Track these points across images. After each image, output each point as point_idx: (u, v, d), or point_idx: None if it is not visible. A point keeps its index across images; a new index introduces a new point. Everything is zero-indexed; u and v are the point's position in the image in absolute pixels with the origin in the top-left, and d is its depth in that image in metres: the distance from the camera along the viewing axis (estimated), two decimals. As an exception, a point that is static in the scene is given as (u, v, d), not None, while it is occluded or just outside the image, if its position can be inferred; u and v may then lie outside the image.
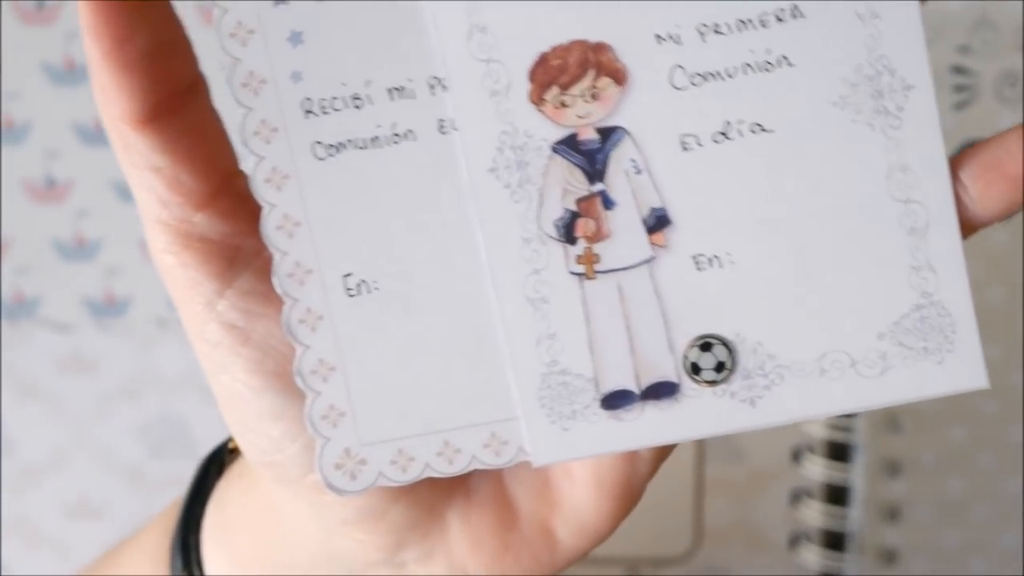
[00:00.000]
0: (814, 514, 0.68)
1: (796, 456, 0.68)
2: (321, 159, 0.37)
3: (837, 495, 0.68)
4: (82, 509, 0.68)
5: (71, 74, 0.62)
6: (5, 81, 0.60)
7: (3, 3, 0.62)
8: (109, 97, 0.35)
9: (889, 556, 0.68)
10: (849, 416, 0.66)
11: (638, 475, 0.40)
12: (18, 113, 0.64)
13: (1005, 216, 0.37)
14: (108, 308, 0.64)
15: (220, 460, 0.46)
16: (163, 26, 0.35)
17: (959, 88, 0.63)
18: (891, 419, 0.66)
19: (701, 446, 0.67)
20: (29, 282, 0.64)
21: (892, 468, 0.67)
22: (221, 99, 0.38)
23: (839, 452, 0.67)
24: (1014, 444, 0.67)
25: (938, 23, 0.62)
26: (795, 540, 0.69)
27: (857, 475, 0.67)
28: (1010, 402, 0.67)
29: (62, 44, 0.61)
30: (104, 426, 0.65)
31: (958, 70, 0.63)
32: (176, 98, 0.36)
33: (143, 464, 0.68)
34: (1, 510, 0.68)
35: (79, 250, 0.63)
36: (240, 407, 0.39)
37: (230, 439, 0.47)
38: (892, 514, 0.67)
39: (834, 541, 0.68)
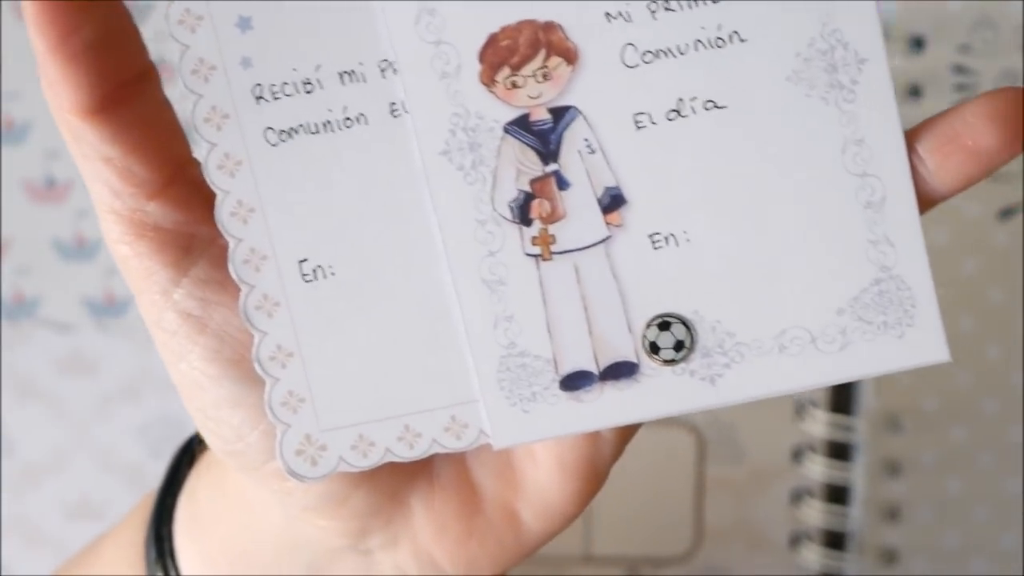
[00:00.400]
0: (814, 513, 0.68)
1: (796, 456, 0.67)
2: (273, 145, 0.37)
3: (837, 495, 0.68)
4: (82, 509, 0.68)
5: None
6: (5, 81, 0.61)
7: (3, 3, 0.62)
8: (56, 90, 0.35)
9: (889, 556, 0.68)
10: (849, 415, 0.66)
11: (602, 456, 0.40)
12: (18, 113, 0.64)
13: (963, 189, 0.37)
14: (108, 308, 0.65)
15: (192, 452, 0.46)
16: (109, 17, 0.35)
17: (960, 87, 0.63)
18: (891, 419, 0.65)
19: (701, 445, 0.66)
20: (29, 282, 0.64)
21: (892, 468, 0.67)
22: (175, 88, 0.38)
23: (839, 452, 0.67)
24: (1014, 444, 0.67)
25: (939, 23, 0.62)
26: (795, 540, 0.68)
27: (857, 475, 0.67)
28: (1011, 402, 0.66)
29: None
30: (104, 426, 0.65)
31: (959, 69, 0.62)
32: (125, 88, 0.36)
33: (143, 464, 0.68)
34: (1, 510, 0.68)
35: (79, 250, 0.64)
36: (199, 396, 0.39)
37: (197, 433, 0.47)
38: (892, 514, 0.67)
39: (834, 541, 0.68)
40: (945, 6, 0.61)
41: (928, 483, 0.67)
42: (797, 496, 0.68)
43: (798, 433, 0.67)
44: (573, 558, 0.67)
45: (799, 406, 0.67)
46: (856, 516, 0.67)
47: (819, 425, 0.67)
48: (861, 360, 0.37)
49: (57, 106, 0.36)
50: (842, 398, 0.67)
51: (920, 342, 0.37)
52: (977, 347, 0.66)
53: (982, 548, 0.68)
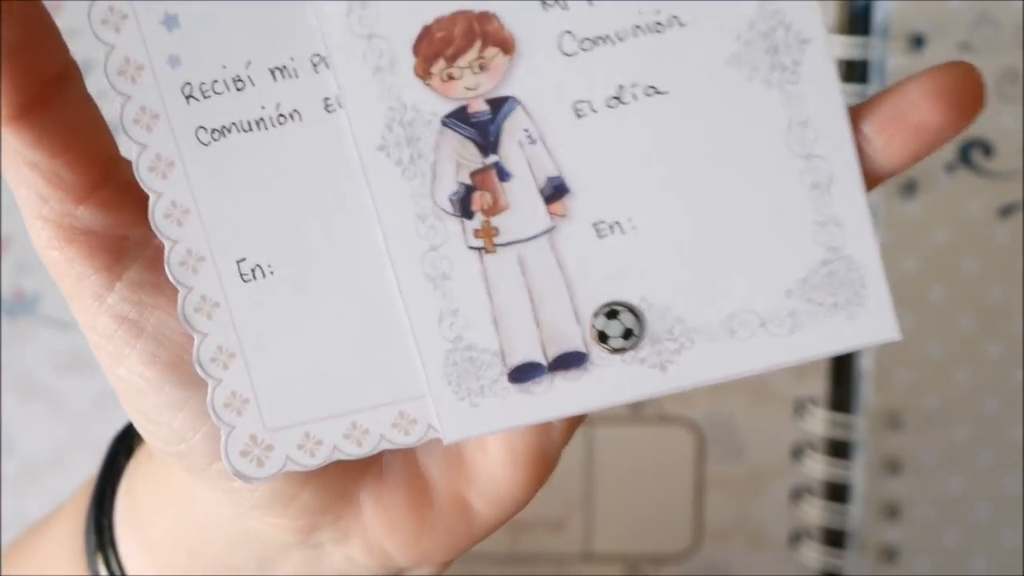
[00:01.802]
0: (814, 512, 0.68)
1: (796, 454, 0.68)
2: (205, 144, 0.36)
3: (837, 493, 0.68)
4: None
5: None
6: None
7: None
8: None
9: (890, 554, 0.68)
10: (849, 414, 0.66)
11: (552, 444, 0.40)
12: None
13: (909, 166, 0.37)
14: None
15: (130, 441, 0.47)
16: (26, 17, 0.35)
17: None
18: (892, 417, 0.66)
19: (701, 444, 0.67)
20: (30, 279, 0.64)
21: (892, 466, 0.67)
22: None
23: (839, 450, 0.68)
24: (1015, 443, 0.67)
25: (939, 20, 0.62)
26: (795, 538, 0.69)
27: (857, 473, 0.67)
28: (1011, 401, 0.67)
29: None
30: (104, 425, 0.65)
31: None
32: (46, 90, 0.36)
33: (142, 464, 0.68)
34: (0, 508, 0.69)
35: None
36: (139, 400, 0.39)
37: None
38: (892, 512, 0.67)
39: (834, 539, 0.68)
40: (945, 4, 0.61)
41: (928, 481, 0.67)
42: (797, 494, 0.68)
43: (798, 431, 0.67)
44: (573, 556, 0.68)
45: (799, 404, 0.67)
46: (856, 514, 0.67)
47: (819, 423, 0.67)
48: (811, 341, 0.37)
49: None
50: (842, 396, 0.67)
51: (870, 321, 0.37)
52: (977, 346, 0.66)
53: (982, 546, 0.68)
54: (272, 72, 0.36)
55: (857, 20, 0.63)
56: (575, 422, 0.40)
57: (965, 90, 0.36)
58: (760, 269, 0.37)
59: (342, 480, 0.40)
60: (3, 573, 0.50)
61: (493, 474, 0.40)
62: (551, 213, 0.36)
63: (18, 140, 0.36)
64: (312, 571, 0.42)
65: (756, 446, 0.67)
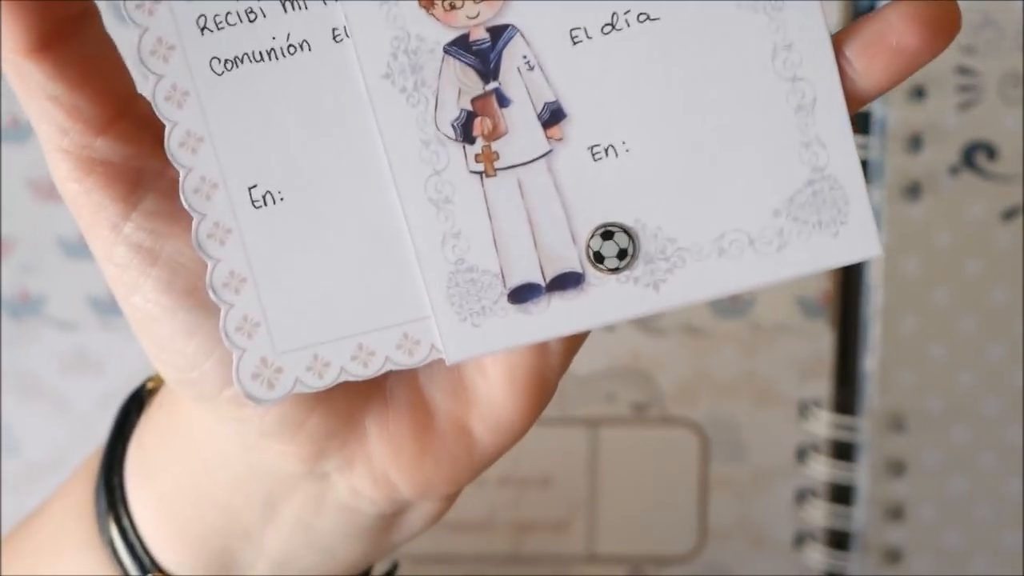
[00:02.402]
0: (818, 513, 0.68)
1: (800, 455, 0.68)
2: (219, 74, 0.37)
3: (841, 494, 0.68)
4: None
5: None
6: (7, 80, 0.62)
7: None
8: (2, 31, 0.36)
9: (893, 556, 0.68)
10: (853, 416, 0.67)
11: (550, 368, 0.40)
12: (23, 111, 0.68)
13: (889, 88, 0.38)
14: (114, 306, 0.64)
15: (140, 400, 0.47)
16: None
17: (963, 88, 0.63)
18: (895, 419, 0.66)
19: (705, 445, 0.67)
20: (34, 280, 0.65)
21: (896, 468, 0.67)
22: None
23: (843, 452, 0.68)
24: (1017, 444, 0.67)
25: None
26: (799, 539, 0.69)
27: (861, 475, 0.67)
28: (1013, 402, 0.67)
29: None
30: (108, 425, 0.66)
31: (962, 71, 0.63)
32: (67, 25, 0.36)
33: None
34: (1, 510, 0.68)
35: (84, 247, 0.65)
36: (153, 328, 0.39)
37: (147, 380, 0.48)
38: (896, 514, 0.67)
39: (838, 540, 0.69)
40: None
41: (931, 483, 0.67)
42: (801, 496, 0.69)
43: (802, 433, 0.68)
44: (577, 557, 0.68)
45: (803, 406, 0.67)
46: (860, 516, 0.68)
47: (823, 425, 0.67)
48: (798, 259, 0.37)
49: (2, 45, 0.36)
50: (846, 398, 0.68)
51: (854, 238, 0.37)
52: (980, 347, 0.66)
53: (985, 547, 0.68)
54: (282, 4, 0.36)
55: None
56: (572, 347, 0.41)
57: (942, 15, 0.36)
58: (748, 189, 0.37)
59: (348, 406, 0.40)
60: (3, 563, 0.50)
61: (493, 399, 0.40)
62: (548, 137, 0.37)
63: (39, 72, 0.36)
64: (317, 508, 0.42)
65: (760, 448, 0.67)
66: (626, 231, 0.37)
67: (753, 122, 0.37)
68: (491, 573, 0.68)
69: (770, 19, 0.36)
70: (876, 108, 0.64)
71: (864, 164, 0.65)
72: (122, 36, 0.38)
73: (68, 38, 0.37)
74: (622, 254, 0.37)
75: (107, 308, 0.66)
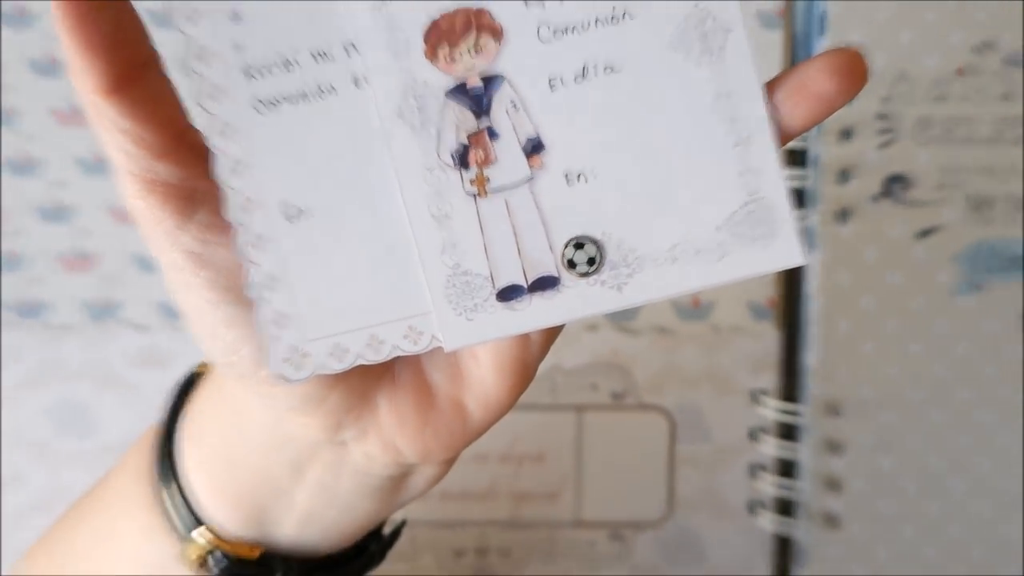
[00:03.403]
0: (768, 485, 0.68)
1: (752, 436, 0.68)
2: (261, 113, 0.37)
3: (787, 469, 0.68)
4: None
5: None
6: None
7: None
8: (81, 75, 0.36)
9: (833, 521, 0.68)
10: (796, 403, 0.67)
11: (531, 355, 0.41)
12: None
13: (811, 127, 0.38)
14: (178, 312, 0.66)
15: (191, 383, 0.47)
16: (118, 14, 0.36)
17: (883, 131, 0.63)
18: (832, 406, 0.66)
19: (673, 427, 0.67)
20: (113, 290, 0.65)
21: (833, 447, 0.67)
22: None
23: (788, 433, 0.67)
24: (937, 426, 0.67)
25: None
26: (752, 507, 0.68)
27: (804, 452, 0.67)
28: (931, 391, 0.67)
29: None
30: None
31: (882, 116, 0.63)
32: (134, 71, 0.37)
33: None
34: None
35: (156, 264, 0.66)
36: (202, 319, 0.39)
37: (197, 366, 0.47)
38: (834, 486, 0.67)
39: (785, 508, 0.68)
40: (870, 62, 0.63)
41: (863, 460, 0.67)
42: (753, 470, 0.68)
43: (753, 417, 0.68)
44: (565, 523, 0.67)
45: (754, 395, 0.67)
46: (803, 487, 0.67)
47: (771, 411, 0.67)
48: (736, 266, 0.37)
49: (82, 88, 0.36)
50: (790, 388, 0.67)
51: (781, 250, 0.37)
52: (902, 345, 0.66)
53: (911, 515, 0.68)
54: (313, 56, 0.37)
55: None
56: (549, 339, 0.41)
57: (853, 67, 0.37)
58: (696, 209, 0.37)
59: (362, 385, 0.40)
60: (62, 529, 0.50)
61: (484, 380, 0.40)
62: (530, 166, 0.37)
63: (112, 110, 0.37)
64: (336, 471, 0.42)
65: (718, 430, 0.67)
66: (594, 242, 0.37)
67: (699, 154, 0.37)
68: (495, 535, 0.67)
69: (713, 72, 0.37)
70: (812, 147, 0.63)
71: (802, 192, 0.64)
72: (181, 80, 0.39)
73: (135, 81, 0.37)
74: (591, 261, 0.37)
75: (174, 313, 0.65)
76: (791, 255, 0.37)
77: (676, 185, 0.37)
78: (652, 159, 0.37)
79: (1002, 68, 0.62)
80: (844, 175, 0.63)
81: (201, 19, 0.37)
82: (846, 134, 0.63)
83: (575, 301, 0.38)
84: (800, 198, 0.62)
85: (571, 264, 0.38)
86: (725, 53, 0.37)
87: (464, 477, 0.64)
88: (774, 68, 0.62)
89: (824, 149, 0.63)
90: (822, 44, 0.62)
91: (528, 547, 0.67)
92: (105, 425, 0.66)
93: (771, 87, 0.37)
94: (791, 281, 0.66)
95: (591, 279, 0.38)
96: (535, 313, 0.38)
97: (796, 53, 0.63)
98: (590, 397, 0.66)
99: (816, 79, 0.37)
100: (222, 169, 0.37)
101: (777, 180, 0.37)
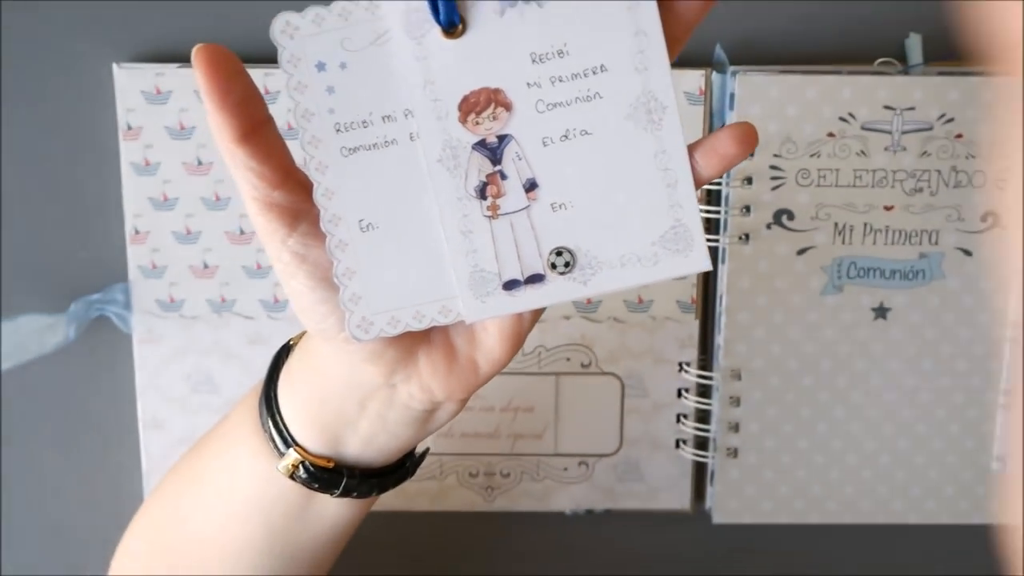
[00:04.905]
0: (689, 429, 0.67)
1: (679, 394, 0.67)
2: (345, 156, 0.38)
3: (703, 417, 0.67)
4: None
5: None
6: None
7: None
8: (221, 129, 0.37)
9: (733, 453, 0.67)
10: (711, 371, 0.66)
11: (523, 328, 0.41)
12: (222, 190, 0.64)
13: (719, 176, 0.39)
14: (275, 306, 0.64)
15: (288, 347, 0.46)
16: (246, 86, 0.38)
17: (774, 178, 0.63)
18: (735, 373, 0.65)
19: (623, 389, 0.66)
20: (229, 291, 0.64)
21: (735, 402, 0.66)
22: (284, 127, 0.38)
23: (704, 392, 0.67)
24: (808, 388, 0.66)
25: (760, 139, 0.62)
26: (678, 444, 0.68)
27: (715, 405, 0.66)
28: (804, 363, 0.66)
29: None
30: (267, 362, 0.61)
31: (773, 167, 0.63)
32: (258, 126, 0.37)
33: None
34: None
35: (259, 272, 0.63)
36: (302, 298, 0.40)
37: (290, 340, 0.47)
38: (735, 428, 0.67)
39: (701, 444, 0.67)
40: (765, 128, 0.62)
41: (756, 411, 0.67)
42: (679, 418, 0.67)
43: (680, 380, 0.67)
44: (548, 454, 0.67)
45: (680, 365, 0.67)
46: (714, 430, 0.66)
47: (692, 376, 0.67)
48: (665, 270, 0.38)
49: (220, 138, 0.37)
50: (705, 361, 0.67)
51: (695, 260, 0.38)
52: (785, 331, 0.65)
53: (789, 450, 0.67)
54: (383, 118, 0.37)
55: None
56: (535, 317, 0.41)
57: (749, 136, 0.38)
58: (639, 230, 0.38)
59: (408, 345, 0.41)
60: (194, 451, 0.49)
61: (490, 344, 0.41)
62: (528, 198, 0.38)
63: (242, 154, 0.37)
64: (388, 405, 0.42)
65: (656, 390, 0.67)
66: (569, 252, 0.38)
67: (643, 193, 0.38)
68: (499, 463, 0.67)
69: (654, 137, 0.38)
70: (724, 190, 0.63)
71: (717, 222, 0.64)
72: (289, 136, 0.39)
73: (258, 134, 0.37)
74: (567, 264, 0.38)
75: (272, 307, 0.64)
76: (701, 263, 0.39)
77: (626, 213, 0.38)
78: (611, 195, 0.38)
79: (860, 132, 0.62)
80: (746, 209, 0.63)
81: (306, 90, 0.37)
82: (748, 180, 0.63)
83: (555, 291, 0.38)
84: (716, 226, 0.63)
85: (553, 266, 0.38)
86: (663, 124, 0.37)
87: (477, 422, 0.64)
88: (697, 133, 0.62)
89: (732, 191, 0.63)
90: (731, 116, 0.61)
91: (521, 470, 0.66)
92: (226, 386, 0.65)
93: (692, 148, 0.37)
94: (707, 285, 0.65)
95: (566, 277, 0.38)
96: (528, 298, 0.38)
97: (712, 122, 0.62)
98: (565, 367, 0.65)
99: (723, 143, 0.38)
100: (318, 194, 0.38)
101: (694, 212, 0.38)
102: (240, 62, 0.36)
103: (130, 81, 0.62)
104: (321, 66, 0.37)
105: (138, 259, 0.64)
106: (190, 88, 0.62)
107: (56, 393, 0.66)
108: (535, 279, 0.38)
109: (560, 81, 0.37)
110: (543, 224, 0.38)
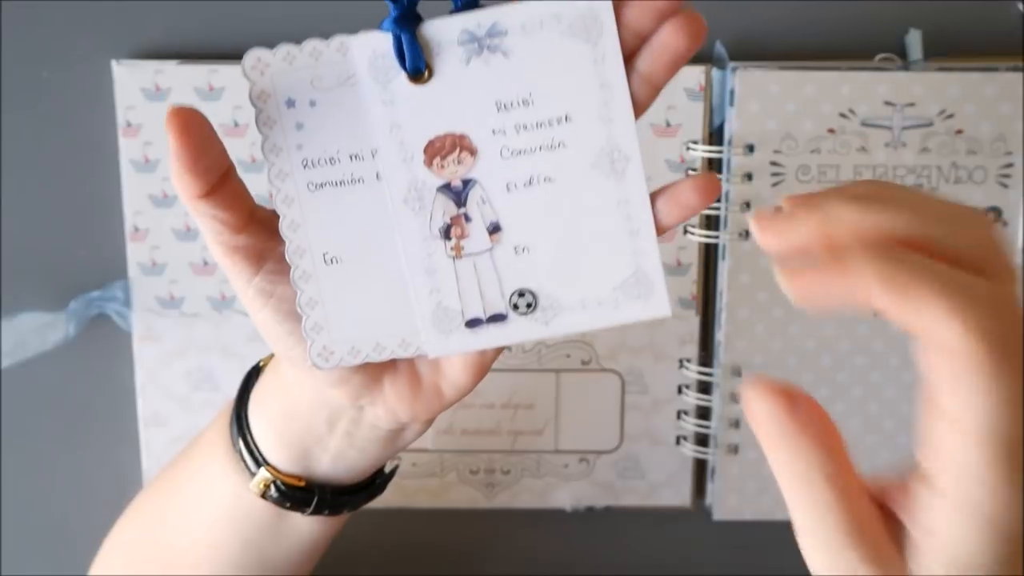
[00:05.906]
0: (690, 425, 0.67)
1: (679, 390, 0.67)
2: (312, 191, 0.38)
3: (703, 413, 0.67)
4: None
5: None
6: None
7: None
8: (186, 188, 0.37)
9: (734, 449, 0.67)
10: (711, 367, 0.65)
11: (487, 359, 0.42)
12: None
13: (678, 224, 0.39)
14: None
15: (258, 369, 0.47)
16: (214, 150, 0.37)
17: (775, 174, 0.63)
18: (735, 369, 0.65)
19: (624, 383, 0.66)
20: (228, 288, 0.64)
21: (735, 398, 0.66)
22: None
23: (704, 388, 0.66)
24: (808, 383, 0.66)
25: (762, 136, 0.62)
26: (679, 440, 0.68)
27: (715, 401, 0.66)
28: (803, 360, 0.65)
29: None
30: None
31: (774, 164, 0.62)
32: (220, 179, 0.38)
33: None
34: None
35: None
36: (270, 329, 0.41)
37: (259, 361, 0.47)
38: (736, 424, 0.67)
39: (702, 440, 0.67)
40: (764, 124, 0.62)
41: None
42: (679, 415, 0.67)
43: (680, 377, 0.67)
44: (548, 450, 0.67)
45: (681, 361, 0.67)
46: (714, 426, 0.66)
47: (692, 373, 0.67)
48: (624, 314, 0.39)
49: (184, 195, 0.38)
50: (706, 357, 0.66)
51: (655, 305, 0.39)
52: (785, 327, 0.65)
53: None
54: (350, 156, 0.38)
55: (715, 136, 0.63)
56: (499, 351, 0.42)
57: (710, 187, 0.39)
58: (600, 275, 0.39)
59: (375, 372, 0.41)
60: (167, 472, 0.49)
61: (454, 373, 0.41)
62: (491, 240, 0.39)
63: (206, 206, 0.38)
64: (356, 425, 0.43)
65: (656, 386, 0.67)
66: (532, 293, 0.39)
67: (604, 239, 0.38)
68: (499, 460, 0.67)
69: (617, 185, 0.38)
70: (724, 187, 0.63)
71: (719, 219, 0.63)
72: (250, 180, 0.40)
73: (221, 186, 0.38)
74: (528, 305, 0.39)
75: None
76: (662, 308, 0.40)
77: (588, 258, 0.38)
78: (573, 240, 0.38)
79: (860, 128, 0.62)
80: (746, 205, 0.62)
81: (275, 125, 0.38)
82: (748, 176, 0.62)
83: (517, 331, 0.39)
84: (716, 222, 0.61)
85: (515, 307, 0.39)
86: (626, 173, 0.38)
87: (478, 419, 0.64)
88: (697, 130, 0.61)
89: (732, 187, 0.62)
90: (731, 112, 0.61)
91: (521, 467, 0.66)
92: (226, 383, 0.65)
93: (655, 196, 0.38)
94: (707, 281, 0.65)
95: (528, 317, 0.39)
96: (490, 337, 0.39)
97: (712, 118, 0.62)
98: (565, 363, 0.65)
99: (685, 194, 0.38)
100: (283, 225, 0.38)
101: (655, 259, 0.39)
102: (210, 125, 0.36)
103: (129, 78, 0.63)
104: (291, 103, 0.38)
105: (138, 256, 0.65)
106: (189, 85, 0.63)
107: (56, 391, 0.67)
108: (497, 318, 0.39)
109: (525, 129, 0.38)
110: (506, 266, 0.38)
